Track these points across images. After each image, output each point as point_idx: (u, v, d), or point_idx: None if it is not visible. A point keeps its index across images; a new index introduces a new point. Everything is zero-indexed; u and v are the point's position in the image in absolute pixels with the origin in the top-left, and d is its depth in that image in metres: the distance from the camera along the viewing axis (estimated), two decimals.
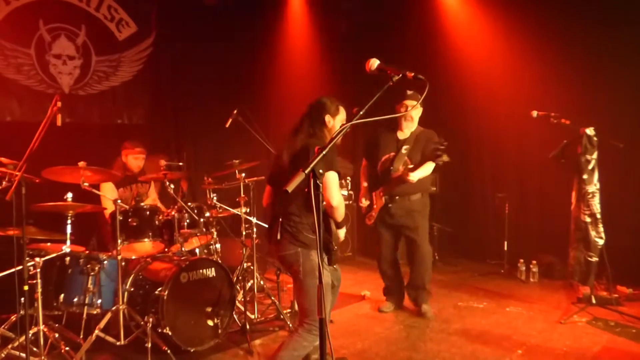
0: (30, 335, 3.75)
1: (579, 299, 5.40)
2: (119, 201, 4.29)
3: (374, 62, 2.47)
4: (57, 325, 4.19)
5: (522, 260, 6.69)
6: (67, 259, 4.30)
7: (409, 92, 5.01)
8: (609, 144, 5.21)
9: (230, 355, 4.36)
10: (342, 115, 3.56)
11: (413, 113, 5.06)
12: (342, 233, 3.58)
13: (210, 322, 4.37)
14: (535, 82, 6.84)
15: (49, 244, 4.48)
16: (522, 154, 7.14)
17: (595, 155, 5.12)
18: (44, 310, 4.02)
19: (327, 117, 3.48)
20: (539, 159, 6.12)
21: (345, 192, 7.91)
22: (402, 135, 5.19)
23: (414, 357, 4.24)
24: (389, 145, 5.19)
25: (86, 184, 4.23)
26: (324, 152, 2.04)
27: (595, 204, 5.16)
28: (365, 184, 5.39)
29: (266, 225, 5.33)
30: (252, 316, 4.99)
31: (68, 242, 4.28)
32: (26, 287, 3.73)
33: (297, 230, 3.33)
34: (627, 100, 6.08)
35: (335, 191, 3.22)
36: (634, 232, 6.05)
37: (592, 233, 5.19)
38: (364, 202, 5.34)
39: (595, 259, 5.20)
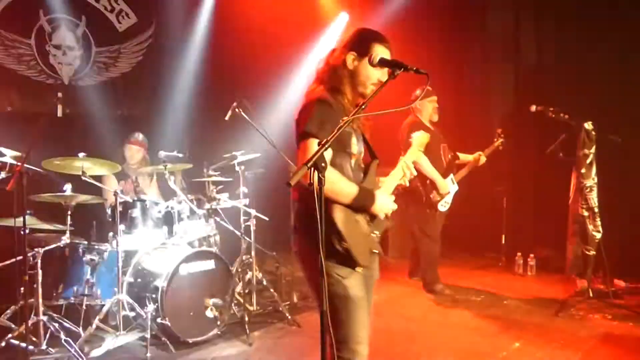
0: (29, 325, 3.77)
1: (576, 292, 5.42)
2: (119, 192, 4.30)
3: (376, 56, 2.47)
4: (56, 315, 4.21)
5: (519, 254, 6.72)
6: (67, 249, 4.32)
7: (429, 89, 5.24)
8: (607, 139, 5.23)
9: (229, 346, 4.38)
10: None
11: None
12: (361, 218, 2.51)
13: (209, 314, 4.40)
14: (534, 77, 6.85)
15: (49, 234, 4.50)
16: (520, 148, 7.15)
17: (593, 150, 5.15)
18: (44, 301, 4.05)
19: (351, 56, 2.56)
20: (537, 153, 6.14)
21: None
22: (430, 126, 5.53)
23: (412, 349, 4.26)
24: (435, 135, 5.29)
25: (86, 175, 4.23)
26: (326, 147, 2.04)
27: (593, 198, 5.18)
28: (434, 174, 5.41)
29: (266, 218, 5.38)
30: (251, 308, 5.01)
31: (68, 232, 4.31)
32: (26, 278, 3.76)
33: None
34: (625, 95, 6.08)
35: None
36: (631, 226, 6.07)
37: (590, 227, 5.21)
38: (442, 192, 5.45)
39: (592, 252, 5.23)
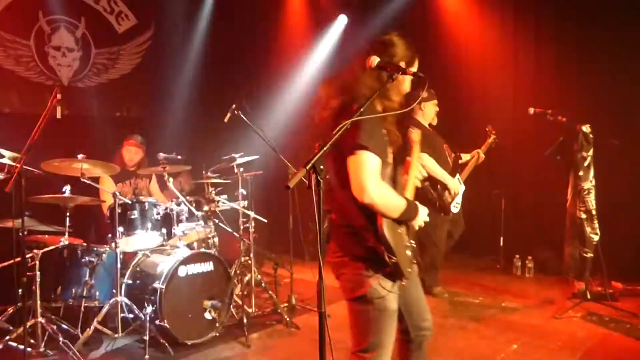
0: (28, 327, 3.76)
1: (574, 295, 5.43)
2: (118, 194, 4.31)
3: (374, 60, 2.47)
4: (54, 317, 4.21)
5: (517, 256, 6.74)
6: (66, 251, 4.32)
7: (432, 91, 5.39)
8: (604, 141, 5.24)
9: (228, 348, 4.38)
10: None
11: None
12: (402, 230, 2.51)
13: (207, 316, 4.40)
14: (532, 80, 6.87)
15: (47, 236, 4.50)
16: (518, 151, 7.16)
17: (591, 152, 5.16)
18: (42, 302, 4.05)
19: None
20: (535, 155, 6.15)
21: None
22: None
23: None
24: (437, 136, 5.51)
25: (85, 176, 4.23)
26: (325, 149, 2.05)
27: (591, 201, 5.20)
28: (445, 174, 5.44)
29: (265, 220, 5.38)
30: (250, 310, 5.01)
31: (66, 234, 4.31)
32: (24, 279, 3.74)
33: None
34: (622, 98, 6.10)
35: (365, 180, 2.28)
36: (629, 229, 6.09)
37: (588, 229, 5.22)
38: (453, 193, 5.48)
39: (590, 254, 5.24)
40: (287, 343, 4.52)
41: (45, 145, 3.83)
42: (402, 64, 2.49)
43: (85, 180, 4.25)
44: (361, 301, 2.42)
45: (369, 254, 2.39)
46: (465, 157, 5.75)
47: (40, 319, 3.94)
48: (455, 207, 5.53)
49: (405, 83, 2.57)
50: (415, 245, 2.57)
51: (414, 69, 2.58)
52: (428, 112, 5.45)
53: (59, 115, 3.79)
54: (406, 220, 2.48)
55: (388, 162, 2.47)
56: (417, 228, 2.56)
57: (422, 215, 2.54)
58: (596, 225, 5.21)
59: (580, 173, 5.17)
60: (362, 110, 2.24)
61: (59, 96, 3.74)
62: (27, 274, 3.81)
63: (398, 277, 2.42)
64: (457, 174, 5.54)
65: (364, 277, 2.39)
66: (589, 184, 5.19)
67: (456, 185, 5.42)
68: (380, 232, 2.33)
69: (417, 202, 2.55)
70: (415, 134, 2.96)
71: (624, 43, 6.08)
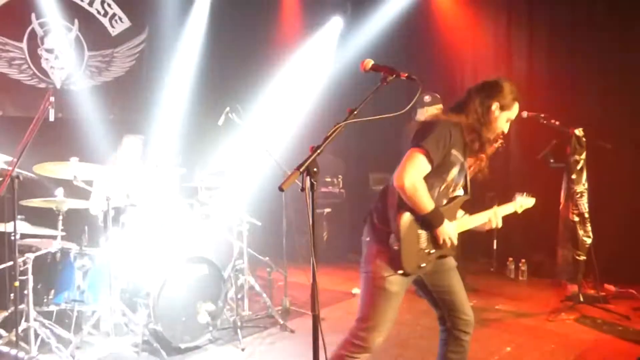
0: (20, 331, 3.74)
1: (567, 297, 5.45)
2: (111, 197, 4.29)
3: (369, 62, 2.49)
4: (47, 321, 4.18)
5: (511, 259, 6.76)
6: (58, 254, 4.30)
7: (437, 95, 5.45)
8: (597, 145, 5.27)
9: (221, 351, 4.37)
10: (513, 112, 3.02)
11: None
12: (424, 234, 2.74)
13: (201, 319, 4.38)
14: (526, 83, 6.90)
15: (40, 239, 4.48)
16: (511, 154, 7.19)
17: (583, 156, 5.19)
18: (35, 307, 4.02)
19: (495, 106, 2.90)
20: (528, 159, 6.17)
21: (337, 190, 7.97)
22: None
23: (405, 354, 4.27)
24: None
25: (78, 179, 4.22)
26: (318, 152, 2.06)
27: (584, 204, 5.22)
28: None
29: (259, 223, 5.38)
30: (244, 313, 5.00)
31: (59, 238, 4.29)
32: (17, 283, 3.73)
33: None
34: (615, 102, 6.14)
35: (407, 169, 2.58)
36: (621, 232, 6.12)
37: (580, 232, 5.25)
38: None
39: (583, 257, 5.26)
40: (281, 346, 4.52)
41: (38, 148, 3.82)
42: (498, 105, 2.86)
43: (78, 184, 4.24)
44: (366, 276, 2.74)
45: (381, 235, 2.68)
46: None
47: (32, 324, 3.91)
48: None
49: (500, 121, 2.92)
50: (433, 254, 2.77)
51: (513, 113, 2.96)
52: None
53: (52, 118, 3.76)
54: (428, 224, 2.69)
55: (445, 178, 2.76)
56: (441, 241, 2.74)
57: (446, 231, 2.73)
58: (589, 228, 5.23)
59: (573, 176, 5.20)
60: (355, 112, 2.27)
61: (52, 99, 3.73)
62: (20, 278, 3.79)
63: (396, 265, 2.63)
64: None
65: (372, 256, 2.72)
66: (582, 187, 5.21)
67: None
68: (398, 218, 2.61)
69: (447, 221, 2.73)
70: (526, 204, 3.43)
71: (617, 47, 6.13)
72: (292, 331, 4.78)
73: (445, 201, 2.83)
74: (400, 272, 2.66)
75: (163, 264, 4.38)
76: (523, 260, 6.67)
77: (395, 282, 2.68)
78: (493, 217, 2.98)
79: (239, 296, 5.08)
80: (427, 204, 2.62)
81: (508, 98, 2.92)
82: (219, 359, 4.25)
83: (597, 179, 5.41)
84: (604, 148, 5.28)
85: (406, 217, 2.63)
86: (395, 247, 2.60)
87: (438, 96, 5.47)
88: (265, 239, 6.35)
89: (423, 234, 2.71)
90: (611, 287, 5.79)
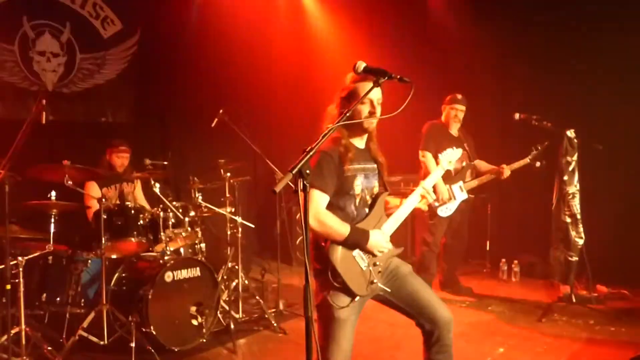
0: (12, 335, 3.73)
1: (560, 298, 5.47)
2: (103, 200, 4.28)
3: (360, 65, 2.50)
4: (39, 324, 4.16)
5: (504, 260, 6.79)
6: (50, 258, 4.29)
7: (459, 97, 5.64)
8: (589, 146, 5.30)
9: (215, 354, 4.37)
10: None
11: (461, 116, 5.68)
12: (357, 254, 2.73)
13: (194, 322, 4.38)
14: (518, 85, 6.94)
15: (32, 242, 4.46)
16: (504, 156, 7.20)
17: (575, 157, 5.22)
18: (26, 310, 4.00)
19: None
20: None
21: None
22: (454, 132, 5.75)
23: (398, 355, 4.28)
24: (453, 141, 5.53)
25: (70, 182, 4.20)
26: (311, 154, 2.06)
27: (576, 205, 5.25)
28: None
29: (252, 225, 5.38)
30: (237, 316, 4.99)
31: (51, 241, 4.26)
32: (8, 287, 3.71)
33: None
34: (606, 103, 6.17)
35: (308, 210, 2.36)
36: (613, 233, 6.16)
37: (572, 233, 5.27)
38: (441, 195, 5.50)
39: (575, 258, 5.29)
40: (275, 348, 4.51)
41: (30, 151, 3.80)
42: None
43: (70, 186, 4.22)
44: (317, 309, 2.73)
45: (321, 270, 2.70)
46: (488, 167, 5.73)
47: (24, 327, 3.89)
48: (443, 212, 5.56)
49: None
50: (379, 264, 2.78)
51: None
52: (446, 115, 5.75)
53: (43, 121, 3.74)
54: (355, 246, 2.69)
55: (353, 194, 2.77)
56: (377, 254, 2.75)
57: (376, 243, 2.73)
58: (581, 229, 5.26)
59: (565, 177, 5.22)
60: (347, 114, 2.29)
61: (43, 102, 3.72)
62: (11, 281, 3.77)
63: (350, 294, 2.67)
64: (461, 182, 5.57)
65: (318, 289, 2.73)
66: (574, 188, 5.24)
67: (442, 191, 5.46)
68: (327, 255, 2.63)
69: (373, 231, 2.73)
70: (450, 156, 3.21)
71: (609, 49, 6.16)
72: (285, 333, 4.77)
73: (367, 210, 2.83)
74: (357, 298, 2.68)
75: (156, 266, 4.37)
76: (516, 262, 6.71)
77: (345, 310, 2.68)
78: (425, 193, 2.91)
79: (232, 299, 5.08)
80: (341, 229, 2.65)
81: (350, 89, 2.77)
82: None
83: (589, 180, 5.43)
84: (596, 149, 5.31)
85: (335, 249, 2.65)
86: (339, 281, 2.63)
87: (459, 97, 5.71)
88: (259, 241, 6.35)
89: (358, 254, 2.72)
90: (603, 288, 5.81)
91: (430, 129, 5.70)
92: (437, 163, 3.21)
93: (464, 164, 5.61)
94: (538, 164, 5.42)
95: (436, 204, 5.45)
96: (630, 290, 5.77)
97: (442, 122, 5.78)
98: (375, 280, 2.74)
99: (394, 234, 2.88)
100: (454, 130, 5.76)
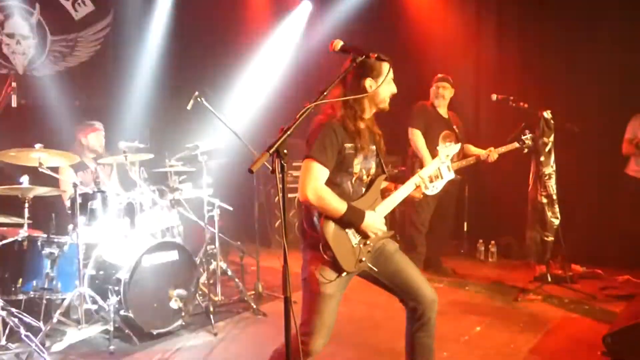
0: None
1: (536, 278, 5.56)
2: (78, 183, 4.21)
3: (338, 43, 2.49)
4: (16, 310, 4.10)
5: (481, 241, 6.87)
6: (25, 243, 4.21)
7: (441, 75, 5.74)
8: (565, 127, 5.35)
9: (194, 337, 4.35)
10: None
11: (446, 94, 5.75)
12: (350, 232, 2.74)
13: (173, 305, 4.35)
14: (495, 66, 6.97)
15: (6, 228, 4.39)
16: (481, 137, 7.26)
17: (552, 138, 5.26)
18: (3, 296, 3.95)
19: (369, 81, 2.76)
20: (498, 141, 6.24)
21: None
22: (443, 113, 5.85)
23: (377, 335, 4.31)
24: (441, 121, 5.71)
25: (43, 166, 4.13)
26: (288, 133, 2.05)
27: (552, 185, 5.30)
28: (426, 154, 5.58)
29: (230, 208, 5.35)
30: (216, 298, 4.98)
31: (26, 226, 4.20)
32: None
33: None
34: (583, 85, 6.22)
35: (306, 182, 2.63)
36: (589, 213, 6.26)
37: (549, 213, 5.33)
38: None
39: (551, 238, 5.36)
40: (254, 330, 4.52)
41: (1, 135, 3.73)
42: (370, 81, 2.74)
43: (43, 170, 4.15)
44: (303, 282, 2.77)
45: (312, 241, 2.72)
46: (478, 151, 5.67)
47: (1, 313, 3.84)
48: (429, 190, 5.54)
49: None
50: (370, 244, 2.79)
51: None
52: (432, 93, 5.85)
53: (14, 104, 3.67)
54: (349, 224, 2.70)
55: (351, 172, 2.76)
56: (371, 235, 2.75)
57: (371, 225, 2.73)
58: (557, 209, 5.32)
59: (542, 158, 5.26)
60: (325, 94, 2.27)
61: (13, 84, 3.65)
62: None
63: (337, 269, 2.68)
64: (449, 161, 5.56)
65: (307, 262, 2.75)
66: (550, 169, 5.29)
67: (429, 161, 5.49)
68: (320, 227, 2.64)
69: (369, 212, 2.73)
70: (449, 149, 3.31)
71: (585, 31, 6.20)
72: (264, 315, 4.78)
73: (363, 189, 2.84)
74: (344, 274, 2.70)
75: (133, 250, 4.33)
76: (493, 242, 6.80)
77: (330, 285, 2.70)
78: (419, 181, 2.96)
79: (211, 281, 5.06)
80: (339, 207, 2.64)
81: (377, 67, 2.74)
82: (192, 344, 4.23)
83: (565, 161, 5.49)
84: (572, 130, 5.36)
85: (329, 223, 2.65)
86: (328, 256, 2.64)
87: (440, 75, 5.81)
88: (237, 223, 6.32)
89: (351, 231, 2.73)
90: (578, 268, 5.91)
91: (419, 108, 5.82)
92: (436, 154, 3.22)
93: (452, 144, 5.61)
94: (526, 150, 5.39)
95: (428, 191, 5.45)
96: (604, 270, 5.87)
97: (431, 103, 5.86)
98: (363, 259, 2.76)
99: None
100: (443, 110, 5.83)
